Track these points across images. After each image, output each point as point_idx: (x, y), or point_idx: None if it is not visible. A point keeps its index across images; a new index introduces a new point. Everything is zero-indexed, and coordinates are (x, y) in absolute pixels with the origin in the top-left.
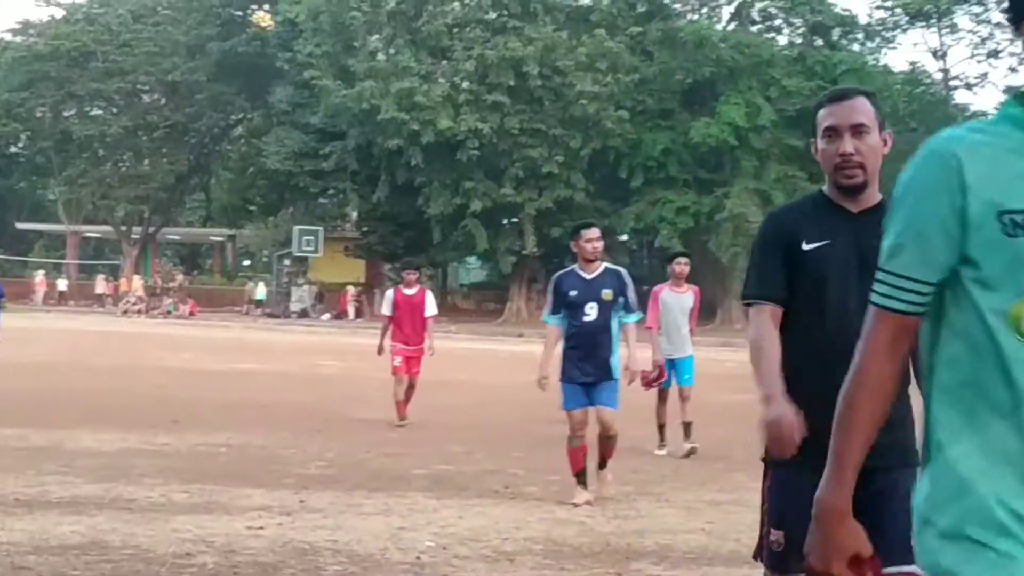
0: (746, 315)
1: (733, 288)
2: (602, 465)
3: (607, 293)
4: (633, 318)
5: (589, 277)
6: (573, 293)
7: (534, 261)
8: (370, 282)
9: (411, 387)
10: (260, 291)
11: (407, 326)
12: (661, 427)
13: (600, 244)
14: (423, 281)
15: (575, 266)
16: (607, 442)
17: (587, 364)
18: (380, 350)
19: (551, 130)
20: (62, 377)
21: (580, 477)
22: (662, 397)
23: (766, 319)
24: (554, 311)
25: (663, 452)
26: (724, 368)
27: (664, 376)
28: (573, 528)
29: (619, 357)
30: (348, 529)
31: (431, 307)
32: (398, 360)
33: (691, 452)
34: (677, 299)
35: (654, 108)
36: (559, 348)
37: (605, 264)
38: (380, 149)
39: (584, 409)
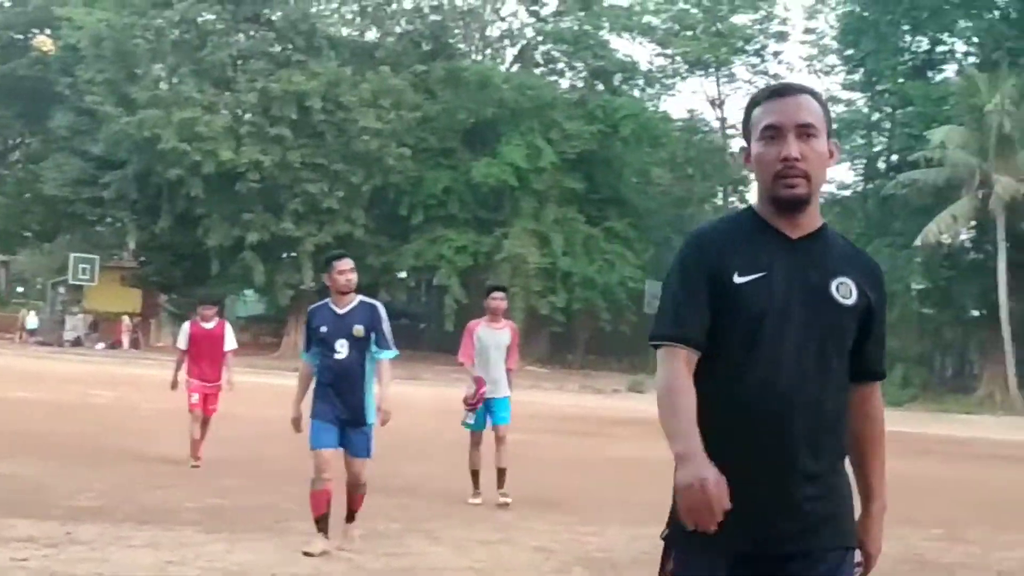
0: (653, 358)
1: None
2: (349, 517)
3: (358, 329)
4: (387, 355)
5: (341, 312)
6: (324, 329)
7: (312, 295)
8: (146, 312)
9: (205, 424)
10: (32, 319)
11: (204, 361)
12: (474, 473)
13: (353, 276)
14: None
15: (329, 300)
16: (356, 491)
17: (338, 405)
18: (174, 385)
19: (333, 165)
20: None
21: (321, 523)
22: (475, 441)
23: (680, 365)
24: (307, 347)
25: (477, 501)
26: None
27: (483, 388)
28: (342, 564)
29: (374, 398)
30: (115, 562)
31: (231, 341)
32: (195, 397)
33: (504, 505)
34: (493, 335)
35: (436, 147)
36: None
37: (359, 298)
38: (160, 179)
39: (333, 450)
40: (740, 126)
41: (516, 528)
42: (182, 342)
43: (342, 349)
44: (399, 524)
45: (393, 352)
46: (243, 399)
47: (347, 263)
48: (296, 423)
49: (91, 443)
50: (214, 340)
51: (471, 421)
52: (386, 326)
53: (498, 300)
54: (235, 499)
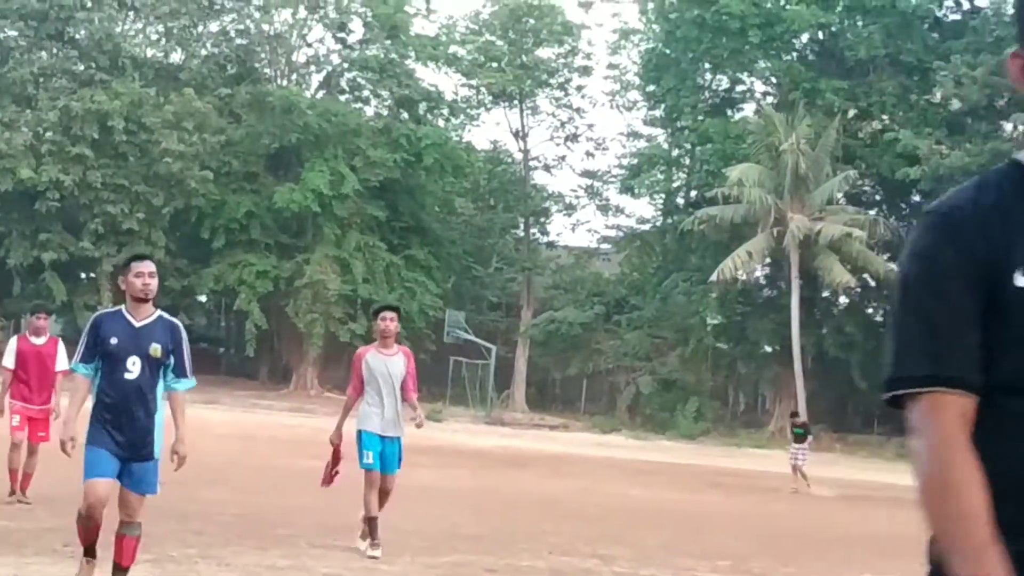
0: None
1: (309, 354)
2: (123, 571)
3: (156, 348)
4: (184, 385)
5: (138, 324)
6: (114, 340)
7: None
8: None
9: (32, 454)
10: None
11: (33, 381)
12: (371, 520)
13: (152, 283)
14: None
15: (123, 307)
16: (129, 534)
17: (121, 432)
18: (1, 410)
19: (134, 186)
20: None
21: (90, 551)
22: (371, 481)
23: (953, 424)
24: (87, 358)
25: (376, 554)
26: (295, 433)
27: (340, 459)
28: None
29: (161, 430)
30: None
31: (63, 360)
32: (16, 419)
33: (372, 558)
34: (385, 363)
35: (240, 170)
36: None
37: (160, 312)
38: None
39: (108, 482)
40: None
41: (308, 555)
42: (8, 360)
43: (133, 368)
44: (192, 549)
45: (191, 382)
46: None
47: (147, 265)
48: (69, 445)
49: None
50: (44, 358)
51: (370, 461)
52: (186, 350)
53: (388, 321)
54: (23, 521)
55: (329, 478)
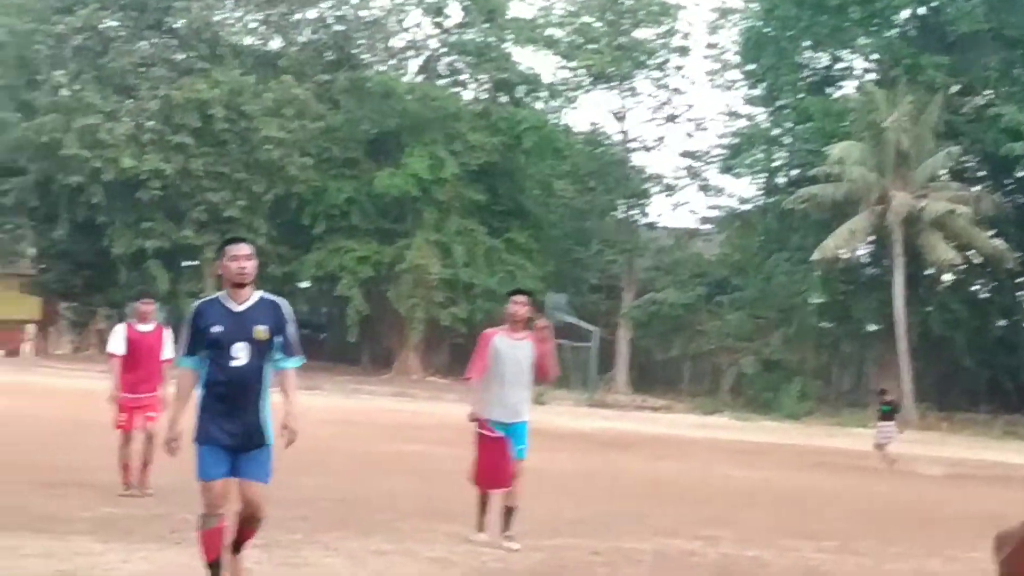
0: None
1: (411, 339)
2: (236, 548)
3: (261, 330)
4: (293, 363)
5: (238, 309)
6: (217, 329)
7: None
8: (45, 320)
9: (149, 440)
10: None
11: (141, 369)
12: (508, 511)
13: (249, 265)
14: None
15: (220, 294)
16: (251, 524)
17: (232, 423)
18: (115, 398)
19: (235, 174)
20: None
21: (215, 570)
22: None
23: None
24: (191, 351)
25: (483, 537)
26: (397, 418)
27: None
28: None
29: (271, 414)
30: (8, 572)
31: (169, 348)
32: (124, 416)
33: (510, 551)
34: (513, 348)
35: (339, 157)
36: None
37: (260, 293)
38: (60, 186)
39: (225, 480)
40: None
41: (413, 539)
42: (118, 346)
43: (240, 354)
44: (297, 535)
45: (300, 359)
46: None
47: (243, 248)
48: (173, 444)
49: None
50: (151, 346)
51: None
52: (292, 328)
53: (519, 305)
54: (129, 508)
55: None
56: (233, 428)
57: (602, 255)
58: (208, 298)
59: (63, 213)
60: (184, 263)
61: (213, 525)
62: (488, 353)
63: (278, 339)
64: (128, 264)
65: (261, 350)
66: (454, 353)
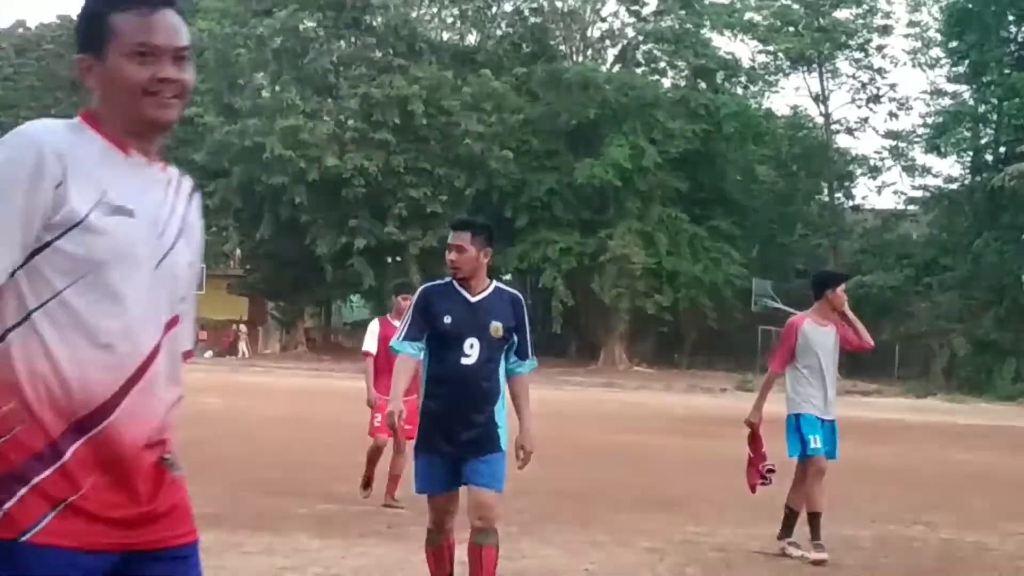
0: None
1: (616, 329)
2: None
3: (497, 327)
4: (528, 367)
5: (475, 299)
6: (448, 319)
7: None
8: (253, 320)
9: (399, 453)
10: None
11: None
12: (815, 517)
13: (461, 258)
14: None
15: (454, 279)
16: (483, 545)
17: (460, 430)
18: (372, 401)
19: (436, 169)
20: None
21: None
22: (819, 469)
23: None
24: (413, 335)
25: (823, 556)
26: (606, 408)
27: (762, 445)
28: (456, 568)
29: (506, 420)
30: (231, 569)
31: None
32: (379, 419)
33: (819, 562)
34: (822, 335)
35: (539, 149)
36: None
37: (495, 283)
38: (264, 186)
39: (451, 494)
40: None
41: (628, 530)
42: (371, 345)
43: (471, 351)
44: (513, 527)
45: (534, 363)
46: (352, 405)
47: (457, 236)
48: (393, 418)
49: (203, 451)
50: None
51: (817, 445)
52: (527, 326)
53: (839, 293)
54: (346, 504)
55: (758, 474)
56: (460, 437)
57: (807, 240)
58: (439, 282)
59: (267, 213)
60: (389, 259)
61: (438, 543)
62: (797, 341)
63: (513, 338)
64: (332, 262)
65: (494, 349)
66: (660, 342)
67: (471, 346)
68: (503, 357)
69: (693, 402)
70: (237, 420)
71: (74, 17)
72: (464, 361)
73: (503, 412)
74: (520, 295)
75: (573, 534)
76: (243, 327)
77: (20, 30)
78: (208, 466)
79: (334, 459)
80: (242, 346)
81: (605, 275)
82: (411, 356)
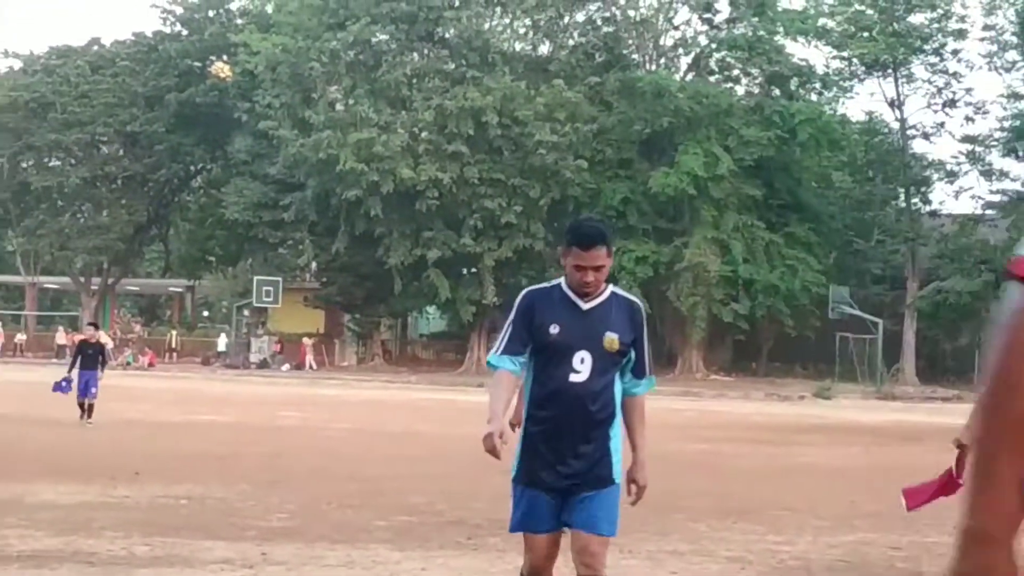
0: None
1: (693, 337)
2: None
3: (612, 339)
4: (645, 387)
5: (587, 305)
6: (555, 329)
7: (494, 311)
8: (329, 332)
9: None
10: (222, 342)
11: None
12: None
13: (599, 277)
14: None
15: (560, 282)
16: None
17: (567, 458)
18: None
19: (510, 180)
20: (19, 429)
21: None
22: None
23: None
24: (514, 348)
25: None
26: (683, 417)
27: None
28: None
29: (620, 447)
30: None
31: None
32: None
33: None
34: None
35: (613, 158)
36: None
37: (612, 289)
38: (339, 199)
39: (554, 535)
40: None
41: (708, 539)
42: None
43: (582, 367)
44: None
45: (652, 382)
46: (430, 415)
47: (594, 255)
48: (494, 442)
49: (280, 464)
50: None
51: None
52: (646, 339)
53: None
54: (424, 516)
55: (933, 496)
56: (567, 464)
57: (884, 246)
58: (544, 285)
59: (342, 226)
60: (463, 270)
61: None
62: None
63: (630, 353)
64: (404, 274)
65: (609, 364)
66: (737, 350)
67: (581, 360)
68: (619, 373)
69: (771, 410)
70: (314, 433)
71: (148, 34)
72: (573, 378)
73: (618, 439)
74: (640, 302)
75: (653, 544)
76: (307, 340)
77: (95, 47)
78: (286, 479)
79: (412, 471)
80: (308, 359)
81: (681, 283)
82: (511, 372)
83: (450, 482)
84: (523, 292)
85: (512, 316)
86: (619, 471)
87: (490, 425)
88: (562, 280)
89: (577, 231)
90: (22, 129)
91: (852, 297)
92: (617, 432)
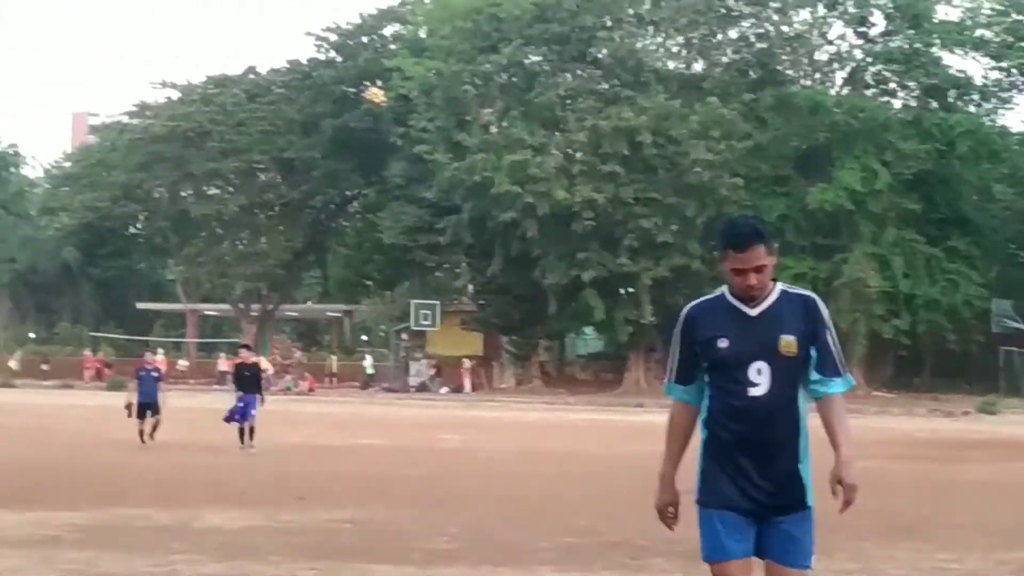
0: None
1: (854, 354)
2: None
3: (787, 342)
4: (838, 386)
5: (753, 312)
6: (724, 343)
7: (651, 330)
8: (487, 355)
9: None
10: (369, 365)
11: None
12: None
13: (762, 279)
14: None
15: (723, 290)
16: None
17: (753, 477)
18: None
19: (666, 199)
20: (184, 455)
21: None
22: None
23: None
24: (684, 376)
25: None
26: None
27: None
28: None
29: (810, 463)
30: None
31: None
32: None
33: None
34: None
35: (769, 174)
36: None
37: (781, 286)
38: (495, 222)
39: (744, 561)
40: None
41: (875, 557)
42: None
43: (759, 378)
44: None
45: (847, 380)
46: (590, 436)
47: (751, 255)
48: (669, 513)
49: (442, 486)
50: None
51: None
52: (831, 335)
53: None
54: (587, 537)
55: None
56: (755, 485)
57: None
58: (707, 298)
59: (498, 249)
60: (620, 291)
61: None
62: None
63: (812, 352)
64: (560, 294)
65: (790, 371)
66: (898, 366)
67: (758, 372)
68: (803, 378)
69: (934, 426)
70: (475, 455)
71: (303, 61)
72: (752, 392)
73: (807, 459)
74: (814, 296)
75: (820, 563)
76: (467, 362)
77: (251, 76)
78: (448, 502)
79: (573, 492)
80: (465, 382)
81: (840, 300)
82: (686, 404)
83: (612, 502)
84: (684, 309)
85: (676, 338)
86: (811, 495)
87: (659, 494)
88: (725, 288)
89: (730, 231)
90: (181, 158)
91: (1016, 311)
92: (806, 450)
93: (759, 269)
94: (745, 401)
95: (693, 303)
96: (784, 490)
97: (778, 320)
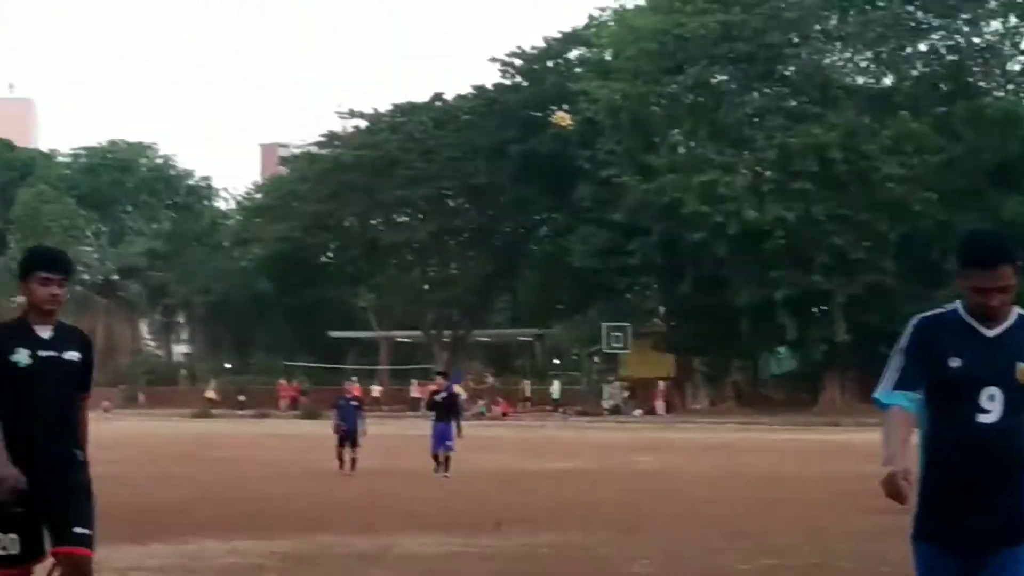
0: None
1: None
2: None
3: None
4: None
5: (991, 333)
6: (956, 363)
7: (846, 349)
8: (680, 376)
9: None
10: (555, 390)
11: None
12: None
13: (1004, 299)
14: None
15: (958, 305)
16: None
17: (974, 510)
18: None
19: (857, 215)
20: (381, 482)
21: None
22: None
23: None
24: (906, 383)
25: None
26: None
27: None
28: None
29: None
30: None
31: None
32: None
33: None
34: None
35: (963, 188)
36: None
37: (1019, 310)
38: (684, 242)
39: None
40: None
41: None
42: None
43: (992, 405)
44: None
45: None
46: (786, 457)
47: (1003, 270)
48: (898, 483)
49: (639, 510)
50: None
51: None
52: None
53: None
54: (788, 559)
55: None
56: (977, 522)
57: None
58: (938, 311)
59: (688, 269)
60: (813, 309)
61: None
62: None
63: None
64: (751, 314)
65: (1023, 398)
66: None
67: (990, 398)
68: None
69: None
70: (671, 477)
71: (489, 87)
72: (981, 419)
73: None
74: None
75: None
76: (661, 384)
77: (437, 103)
78: (646, 525)
79: (771, 515)
80: (659, 403)
81: None
82: (904, 409)
83: (812, 523)
84: (915, 319)
85: (903, 346)
86: None
87: (889, 465)
88: (959, 304)
89: (975, 247)
90: (370, 187)
91: None
92: None
93: (1004, 289)
94: (973, 429)
95: (923, 314)
96: (1011, 525)
97: (1018, 344)
